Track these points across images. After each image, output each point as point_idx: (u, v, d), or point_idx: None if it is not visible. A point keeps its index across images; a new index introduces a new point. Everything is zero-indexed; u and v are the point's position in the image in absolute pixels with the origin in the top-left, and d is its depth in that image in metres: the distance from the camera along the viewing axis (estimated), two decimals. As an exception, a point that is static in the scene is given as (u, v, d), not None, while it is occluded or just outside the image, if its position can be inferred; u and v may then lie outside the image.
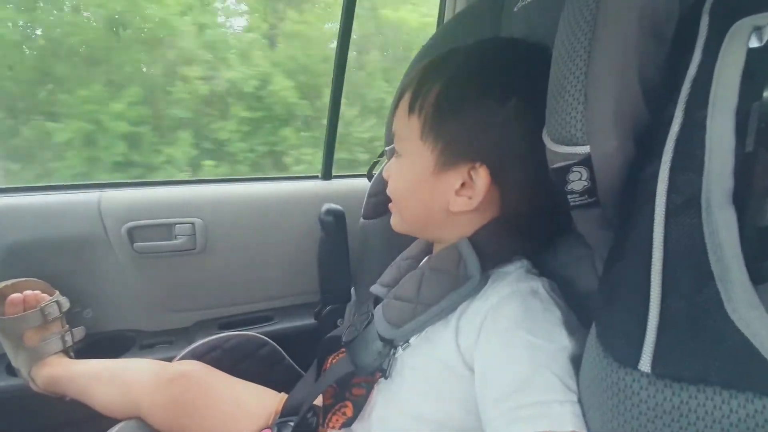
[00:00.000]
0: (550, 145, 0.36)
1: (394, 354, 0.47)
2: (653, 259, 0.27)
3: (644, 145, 0.33)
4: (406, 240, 0.81)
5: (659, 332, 0.26)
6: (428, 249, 0.60)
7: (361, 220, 0.86)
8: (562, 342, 0.36)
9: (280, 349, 0.81)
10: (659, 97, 0.34)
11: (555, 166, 0.35)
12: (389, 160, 0.74)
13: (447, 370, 0.43)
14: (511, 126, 0.42)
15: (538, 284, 0.43)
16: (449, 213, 0.47)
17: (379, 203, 0.83)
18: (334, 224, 0.84)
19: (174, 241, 0.94)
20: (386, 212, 0.85)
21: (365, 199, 0.85)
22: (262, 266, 1.02)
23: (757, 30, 0.33)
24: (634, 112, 0.33)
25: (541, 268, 0.48)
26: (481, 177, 0.43)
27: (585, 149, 0.33)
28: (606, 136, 0.32)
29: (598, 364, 0.30)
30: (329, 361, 0.57)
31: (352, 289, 0.88)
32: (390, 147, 0.73)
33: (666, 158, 0.30)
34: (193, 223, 0.94)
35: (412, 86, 0.48)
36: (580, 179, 0.34)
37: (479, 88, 0.43)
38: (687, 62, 0.35)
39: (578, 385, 0.34)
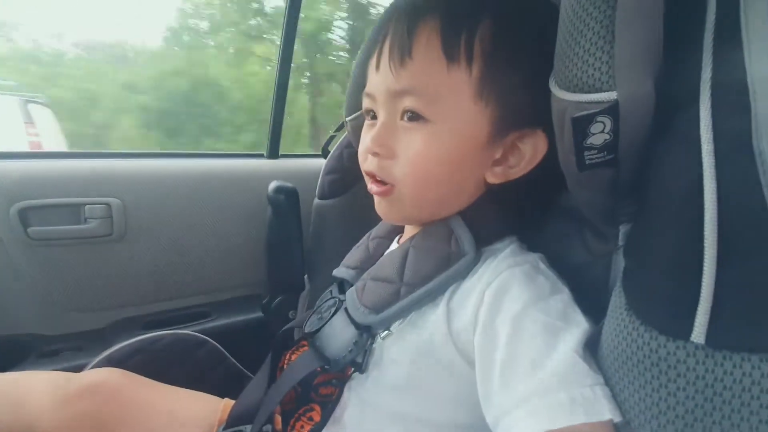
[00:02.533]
0: (564, 95, 0.31)
1: (371, 344, 0.40)
2: (706, 217, 0.23)
3: (666, 95, 0.30)
4: (367, 221, 0.74)
5: (715, 297, 0.23)
6: (399, 227, 0.54)
7: (316, 200, 0.77)
8: (578, 321, 0.32)
9: (221, 348, 0.70)
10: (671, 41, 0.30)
11: (577, 115, 0.30)
12: (351, 131, 0.67)
13: (436, 360, 0.37)
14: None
15: (537, 259, 0.38)
16: (477, 187, 0.40)
17: (337, 181, 0.75)
18: (286, 203, 0.74)
19: (84, 226, 0.77)
20: (345, 191, 0.78)
21: (320, 177, 0.76)
22: (197, 254, 0.88)
23: None
24: (658, 55, 0.30)
25: (527, 244, 0.44)
26: (538, 146, 0.37)
27: (610, 96, 0.29)
28: (638, 78, 0.28)
29: (635, 338, 0.26)
30: (287, 357, 0.49)
31: (305, 278, 0.79)
32: (352, 117, 0.65)
33: (704, 103, 0.27)
34: (108, 204, 0.79)
35: (438, 20, 0.35)
36: (602, 131, 0.30)
37: (535, 31, 0.35)
38: (700, 8, 0.32)
39: (600, 365, 0.29)
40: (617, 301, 0.29)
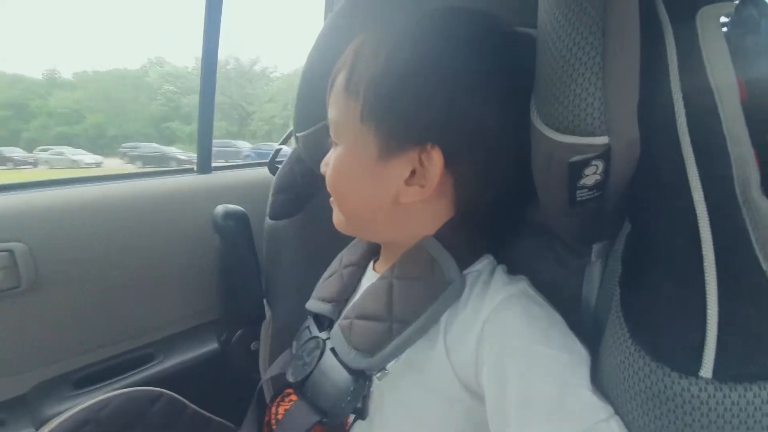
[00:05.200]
0: (554, 135, 0.31)
1: (369, 387, 0.39)
2: (705, 262, 0.26)
3: (644, 137, 0.32)
4: (325, 239, 0.71)
5: (719, 335, 0.25)
6: (371, 252, 0.52)
7: (268, 220, 0.72)
8: (579, 351, 0.33)
9: (178, 397, 0.64)
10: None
11: (575, 159, 0.30)
12: (303, 147, 0.63)
13: (442, 397, 0.37)
14: (462, 101, 0.37)
15: (524, 285, 0.39)
16: (399, 206, 0.40)
17: (290, 200, 0.70)
18: (236, 229, 0.68)
19: (-19, 281, 0.64)
20: (298, 211, 0.74)
21: (271, 195, 0.71)
22: (131, 290, 0.78)
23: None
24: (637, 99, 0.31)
25: (500, 260, 0.45)
26: (434, 160, 0.38)
27: (602, 140, 0.29)
28: (631, 126, 0.30)
29: (647, 374, 0.27)
30: (273, 410, 0.45)
31: (265, 305, 0.74)
32: (303, 134, 0.61)
33: (687, 150, 0.29)
34: (11, 251, 0.65)
35: (347, 65, 0.41)
36: (595, 173, 0.31)
37: (423, 61, 0.38)
38: (656, 48, 0.34)
39: (607, 394, 0.31)
40: (618, 332, 0.31)
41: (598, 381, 0.32)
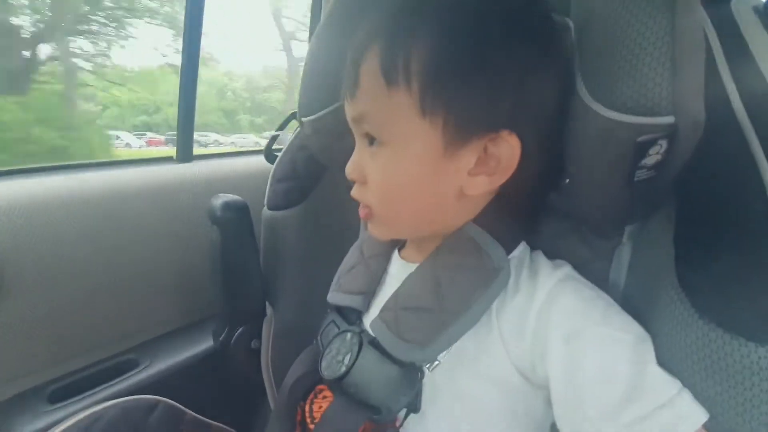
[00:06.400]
0: (615, 115, 0.31)
1: (422, 379, 0.37)
2: None
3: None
4: (329, 229, 0.68)
5: None
6: (394, 242, 0.50)
7: (266, 211, 0.67)
8: (637, 329, 0.34)
9: (176, 404, 0.59)
10: None
11: (642, 139, 0.30)
12: (309, 132, 0.59)
13: (495, 384, 0.37)
14: (530, 79, 0.34)
15: (569, 269, 0.39)
16: (460, 200, 0.38)
17: (293, 189, 0.66)
18: (237, 222, 0.63)
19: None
20: (301, 201, 0.70)
21: (270, 184, 0.67)
22: (110, 291, 0.71)
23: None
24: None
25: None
26: (511, 147, 0.35)
27: (668, 119, 0.30)
28: (698, 105, 0.30)
29: (720, 346, 0.28)
30: (306, 408, 0.43)
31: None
32: (311, 118, 0.57)
33: (747, 129, 0.30)
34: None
35: (378, 46, 0.35)
36: (658, 152, 0.31)
37: (494, 33, 0.34)
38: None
39: (675, 370, 0.32)
40: (680, 311, 0.31)
41: (659, 357, 0.33)
